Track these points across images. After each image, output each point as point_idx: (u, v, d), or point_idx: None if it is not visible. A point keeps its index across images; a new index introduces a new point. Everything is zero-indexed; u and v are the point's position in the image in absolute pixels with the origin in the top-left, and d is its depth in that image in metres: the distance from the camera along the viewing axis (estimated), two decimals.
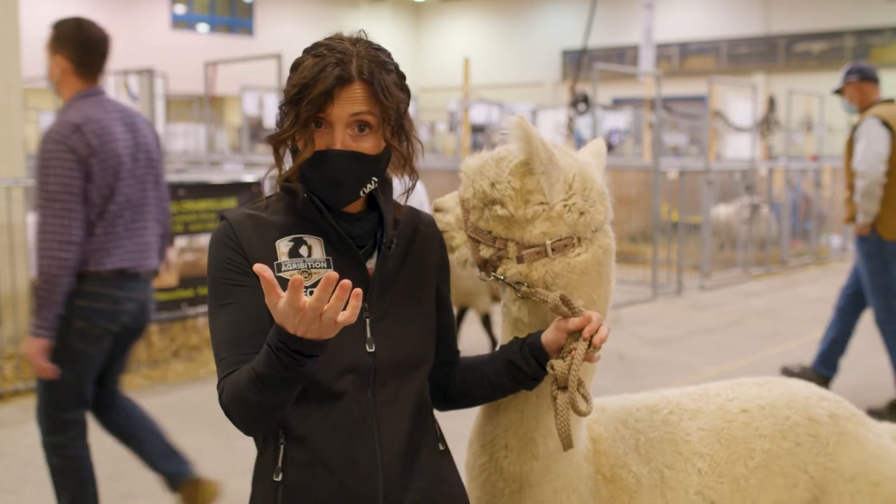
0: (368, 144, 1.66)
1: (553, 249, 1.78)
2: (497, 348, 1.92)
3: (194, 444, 5.03)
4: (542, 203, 1.78)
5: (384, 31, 31.72)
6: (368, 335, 1.67)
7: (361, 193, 1.69)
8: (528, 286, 1.81)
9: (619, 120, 19.52)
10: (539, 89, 29.08)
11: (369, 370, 1.66)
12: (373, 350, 1.67)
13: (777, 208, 12.77)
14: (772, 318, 8.93)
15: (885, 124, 5.39)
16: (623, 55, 27.59)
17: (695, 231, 11.70)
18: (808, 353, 7.26)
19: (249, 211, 1.73)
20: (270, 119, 15.27)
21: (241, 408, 1.58)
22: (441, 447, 1.81)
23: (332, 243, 1.69)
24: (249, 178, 7.13)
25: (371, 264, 1.73)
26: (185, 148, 16.96)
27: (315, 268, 1.67)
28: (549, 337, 1.77)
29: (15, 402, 5.70)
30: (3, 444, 4.99)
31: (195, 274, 6.61)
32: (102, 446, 4.98)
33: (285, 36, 28.29)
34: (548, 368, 1.72)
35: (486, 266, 1.85)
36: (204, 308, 6.75)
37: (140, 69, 11.74)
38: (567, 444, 1.68)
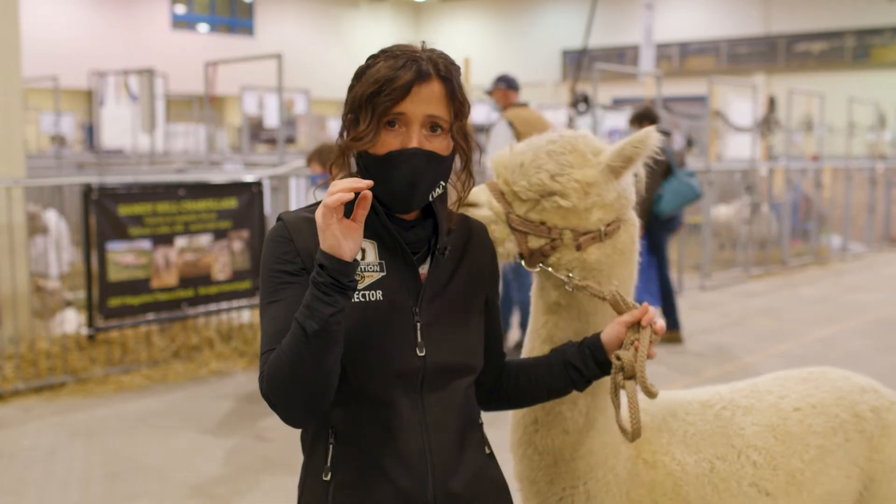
0: (440, 146, 1.67)
1: (606, 234, 1.91)
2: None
3: (193, 444, 5.03)
4: (598, 193, 1.90)
5: (384, 31, 31.70)
6: (419, 339, 1.67)
7: (430, 197, 1.69)
8: (580, 280, 1.91)
9: (619, 120, 19.50)
10: (539, 89, 29.07)
11: (418, 373, 1.67)
12: (423, 354, 1.67)
13: (777, 208, 12.76)
14: (772, 318, 8.93)
15: (511, 125, 6.60)
16: (623, 55, 27.58)
17: (695, 231, 11.70)
18: (808, 353, 7.26)
19: (306, 214, 1.71)
20: (270, 119, 15.31)
21: (281, 380, 1.55)
22: (487, 450, 1.82)
23: (387, 246, 1.69)
24: (249, 178, 7.13)
25: (423, 269, 1.73)
26: (185, 148, 16.97)
27: (368, 271, 1.67)
28: (609, 333, 1.84)
29: (15, 402, 5.70)
30: (3, 444, 4.98)
31: (195, 274, 6.60)
32: (102, 446, 4.99)
33: (285, 36, 28.29)
34: (613, 359, 1.79)
35: (534, 256, 1.94)
36: (204, 308, 6.75)
37: (140, 69, 11.76)
38: (637, 432, 1.76)
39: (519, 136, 6.54)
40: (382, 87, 1.62)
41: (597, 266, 1.91)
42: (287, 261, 1.66)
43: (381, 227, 1.68)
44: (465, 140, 1.73)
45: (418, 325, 1.68)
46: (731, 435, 2.16)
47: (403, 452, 1.65)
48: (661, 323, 1.81)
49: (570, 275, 1.92)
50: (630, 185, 1.95)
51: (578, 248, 1.91)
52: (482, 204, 1.95)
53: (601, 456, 2.01)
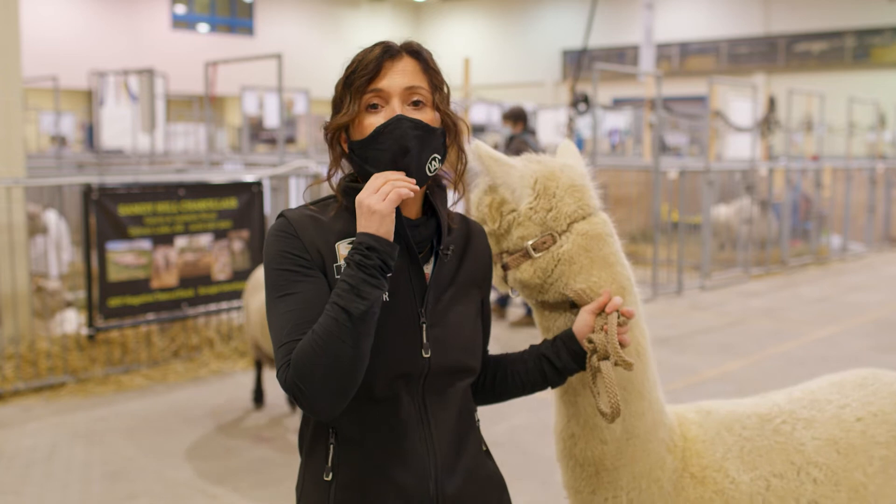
0: (426, 117, 1.68)
1: (535, 249, 1.91)
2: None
3: (194, 445, 5.03)
4: (512, 211, 1.94)
5: (384, 31, 31.68)
6: (425, 340, 1.67)
7: (428, 171, 1.68)
8: (536, 301, 1.96)
9: (619, 120, 19.51)
10: (539, 89, 29.07)
11: (422, 374, 1.67)
12: (428, 356, 1.67)
13: (777, 208, 12.77)
14: (772, 318, 8.93)
15: None
16: (623, 55, 27.59)
17: (695, 231, 11.70)
18: (808, 353, 7.26)
19: (309, 212, 1.72)
20: (270, 119, 15.30)
21: (316, 367, 1.52)
22: (483, 447, 1.83)
23: None
24: (249, 178, 7.13)
25: (428, 269, 1.73)
26: (185, 148, 16.96)
27: None
28: (579, 324, 1.87)
29: (15, 402, 5.70)
30: (3, 444, 4.99)
31: (195, 274, 6.60)
32: (102, 446, 4.99)
33: (285, 36, 28.29)
34: (585, 343, 1.83)
35: (505, 282, 2.01)
36: (204, 308, 6.75)
37: (140, 69, 11.75)
38: (616, 411, 1.77)
39: None
40: (356, 67, 1.68)
41: (537, 281, 1.92)
42: (296, 255, 1.65)
43: None
44: (450, 112, 1.74)
45: (424, 326, 1.68)
46: (790, 451, 2.11)
47: (406, 452, 1.65)
48: (629, 307, 1.85)
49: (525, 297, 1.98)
50: (563, 199, 1.92)
51: (505, 267, 1.95)
52: None
53: (645, 465, 1.99)
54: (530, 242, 1.91)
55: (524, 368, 1.89)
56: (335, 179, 1.78)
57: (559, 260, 1.90)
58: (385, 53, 1.67)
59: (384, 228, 1.55)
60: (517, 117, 8.36)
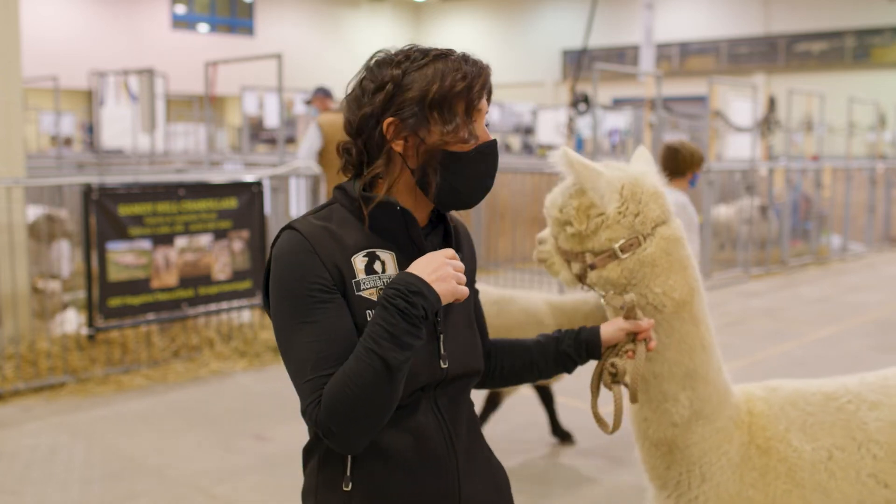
0: None
1: (622, 251, 2.04)
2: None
3: (193, 444, 5.03)
4: (600, 214, 2.06)
5: (384, 31, 31.68)
6: (442, 352, 1.67)
7: None
8: (605, 294, 2.10)
9: (619, 120, 19.50)
10: (539, 89, 29.07)
11: (438, 382, 1.67)
12: (446, 366, 1.67)
13: (777, 208, 12.76)
14: (772, 318, 8.93)
15: (320, 127, 7.72)
16: (623, 55, 27.59)
17: None
18: (808, 353, 7.26)
19: (320, 222, 1.64)
20: (270, 119, 15.30)
21: (352, 411, 1.50)
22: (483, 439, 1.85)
23: (407, 258, 1.65)
24: (249, 178, 7.13)
25: None
26: (185, 148, 16.96)
27: None
28: (609, 332, 1.94)
29: (15, 402, 5.70)
30: (3, 444, 4.98)
31: (195, 274, 6.60)
32: (102, 446, 4.99)
33: (285, 36, 28.29)
34: (608, 367, 1.92)
35: (580, 280, 2.15)
36: (204, 308, 6.74)
37: (140, 69, 11.75)
38: (617, 426, 1.93)
39: (326, 136, 7.75)
40: (470, 83, 1.63)
41: (623, 281, 2.06)
42: (317, 276, 1.58)
43: (406, 239, 1.66)
44: None
45: (441, 336, 1.67)
46: (852, 428, 2.20)
47: (429, 456, 1.64)
48: (654, 342, 1.97)
49: (602, 292, 2.10)
50: (648, 205, 2.04)
51: (592, 267, 2.07)
52: (545, 241, 2.22)
53: (714, 442, 2.15)
54: (618, 244, 2.03)
55: (543, 360, 1.94)
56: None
57: (643, 262, 2.04)
58: (487, 87, 1.68)
59: (449, 290, 1.57)
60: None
